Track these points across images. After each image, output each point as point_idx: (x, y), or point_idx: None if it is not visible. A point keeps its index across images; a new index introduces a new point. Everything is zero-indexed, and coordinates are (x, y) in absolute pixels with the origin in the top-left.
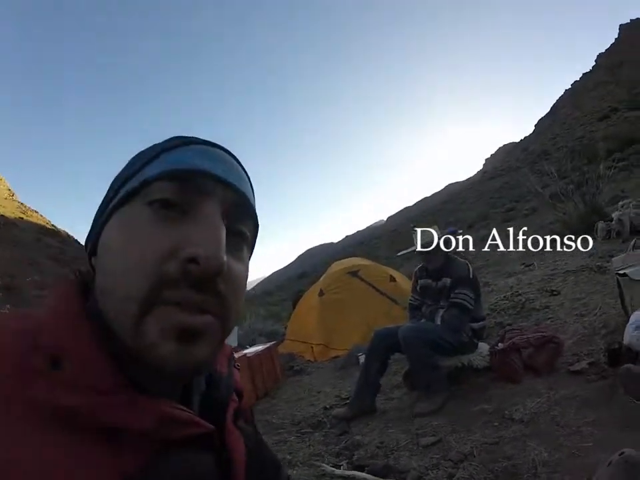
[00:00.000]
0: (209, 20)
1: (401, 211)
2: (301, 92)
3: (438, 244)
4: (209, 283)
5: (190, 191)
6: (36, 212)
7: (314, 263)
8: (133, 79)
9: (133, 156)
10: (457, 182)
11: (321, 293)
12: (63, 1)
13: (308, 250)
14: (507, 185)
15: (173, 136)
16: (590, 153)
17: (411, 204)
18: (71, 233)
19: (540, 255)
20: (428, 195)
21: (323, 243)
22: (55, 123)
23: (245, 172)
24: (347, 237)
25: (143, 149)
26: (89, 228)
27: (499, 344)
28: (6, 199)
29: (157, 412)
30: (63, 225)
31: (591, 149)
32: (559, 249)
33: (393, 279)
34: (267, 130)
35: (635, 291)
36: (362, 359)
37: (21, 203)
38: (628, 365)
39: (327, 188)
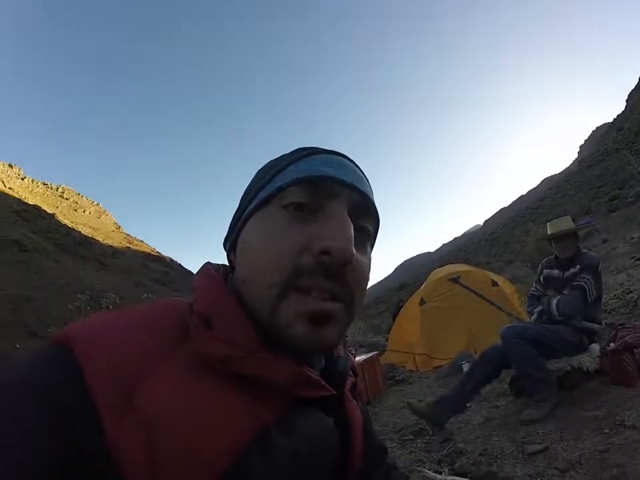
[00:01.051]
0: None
1: (497, 212)
2: (406, 93)
3: (575, 232)
4: (339, 272)
5: (319, 194)
6: (141, 241)
7: (412, 274)
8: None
9: (261, 167)
10: (553, 175)
11: (422, 302)
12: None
13: (405, 261)
14: (606, 171)
15: (297, 147)
16: None
17: (506, 204)
18: (174, 258)
19: None
20: (524, 192)
21: (420, 252)
22: (153, 153)
23: (364, 175)
24: (443, 245)
25: (272, 160)
26: (228, 229)
27: (611, 344)
28: (113, 231)
29: (292, 370)
30: (166, 251)
31: None
32: None
33: (495, 284)
34: (349, 133)
35: None
36: (465, 367)
37: (127, 234)
38: None
39: (420, 197)
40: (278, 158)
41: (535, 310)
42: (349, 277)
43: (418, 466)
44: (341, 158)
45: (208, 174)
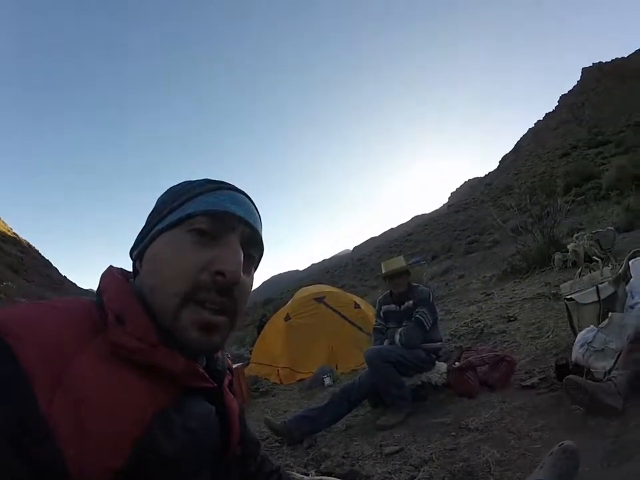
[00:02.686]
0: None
1: (367, 241)
2: (270, 114)
3: (405, 270)
4: (229, 290)
5: (220, 225)
6: None
7: (279, 289)
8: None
9: (174, 187)
10: (423, 214)
11: (288, 318)
12: None
13: (273, 277)
14: (471, 218)
15: (206, 179)
16: (550, 188)
17: (377, 234)
18: (33, 244)
19: (500, 284)
20: (394, 225)
21: (288, 270)
22: (31, 126)
23: (257, 211)
24: (312, 264)
25: (182, 183)
26: (134, 241)
27: (456, 362)
28: None
29: (185, 363)
30: (25, 233)
31: (550, 184)
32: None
33: (357, 306)
34: (241, 151)
35: (581, 313)
36: (327, 380)
37: None
38: (571, 376)
39: (293, 215)
40: (188, 185)
41: (384, 342)
42: (235, 293)
43: (287, 470)
44: (241, 195)
45: (93, 164)
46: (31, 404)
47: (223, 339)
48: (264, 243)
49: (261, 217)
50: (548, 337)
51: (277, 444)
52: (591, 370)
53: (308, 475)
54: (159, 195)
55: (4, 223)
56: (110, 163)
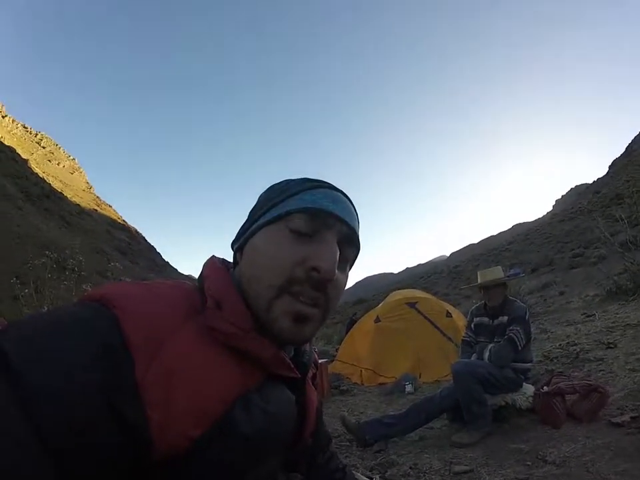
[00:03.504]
0: None
1: (464, 247)
2: (378, 124)
3: (503, 282)
4: (322, 286)
5: (318, 222)
6: (110, 206)
7: (372, 291)
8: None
9: (275, 185)
10: (525, 222)
11: (377, 320)
12: None
13: (366, 277)
14: (576, 229)
15: (305, 177)
16: None
17: (475, 241)
18: (139, 230)
19: (603, 305)
20: (494, 233)
21: (382, 272)
22: (141, 123)
23: (355, 210)
24: (407, 268)
25: (283, 182)
26: (236, 234)
27: (544, 387)
28: (84, 190)
29: (274, 351)
30: (133, 220)
31: None
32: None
33: (449, 315)
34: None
35: None
36: (408, 387)
37: (97, 196)
38: None
39: (391, 217)
40: (287, 183)
41: (472, 357)
42: (329, 289)
43: (352, 469)
44: (339, 194)
45: (196, 162)
46: (128, 370)
47: (312, 332)
48: (360, 242)
49: (359, 216)
50: None
51: (348, 443)
52: None
53: (372, 479)
54: (261, 192)
55: (114, 210)
56: (218, 160)
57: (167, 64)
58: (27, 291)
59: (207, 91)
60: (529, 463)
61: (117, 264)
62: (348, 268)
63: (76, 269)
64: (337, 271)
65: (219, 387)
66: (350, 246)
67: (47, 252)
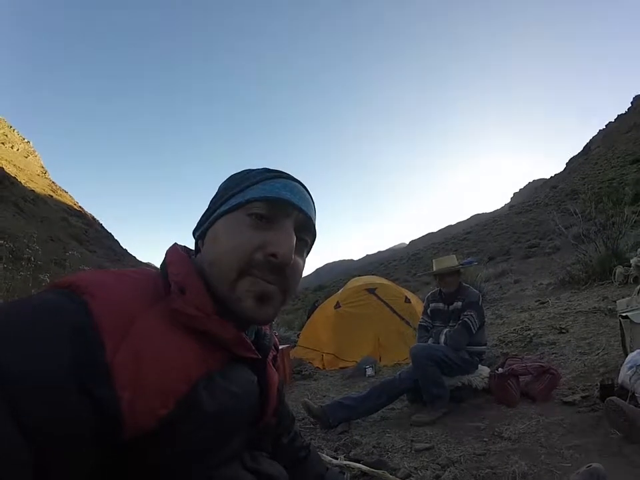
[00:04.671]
0: None
1: (424, 236)
2: (339, 106)
3: (457, 269)
4: (280, 270)
5: (276, 211)
6: (66, 192)
7: (332, 277)
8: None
9: (235, 174)
10: (483, 213)
11: (338, 305)
12: None
13: (327, 264)
14: (532, 221)
15: (265, 168)
16: (617, 196)
17: (434, 230)
18: (96, 217)
19: (556, 293)
20: (453, 223)
21: (342, 258)
22: (98, 102)
23: (312, 198)
24: (367, 255)
25: (243, 171)
26: (197, 222)
27: (499, 369)
28: (38, 175)
29: (235, 333)
30: (90, 207)
31: (619, 192)
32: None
33: (408, 300)
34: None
35: (635, 333)
36: (369, 371)
37: (52, 182)
38: (613, 398)
39: (350, 205)
40: (248, 173)
41: (428, 341)
42: (288, 273)
43: (317, 450)
44: (297, 184)
45: (156, 148)
46: (98, 352)
47: (274, 312)
48: (317, 229)
49: (315, 205)
50: (598, 354)
51: (312, 426)
52: (636, 395)
53: (337, 458)
54: (221, 182)
55: (70, 197)
56: (176, 147)
57: (124, 40)
58: None
59: (166, 73)
60: (486, 439)
61: (75, 252)
62: (305, 253)
63: (32, 258)
64: (294, 256)
65: (184, 367)
66: (307, 233)
67: (1, 241)
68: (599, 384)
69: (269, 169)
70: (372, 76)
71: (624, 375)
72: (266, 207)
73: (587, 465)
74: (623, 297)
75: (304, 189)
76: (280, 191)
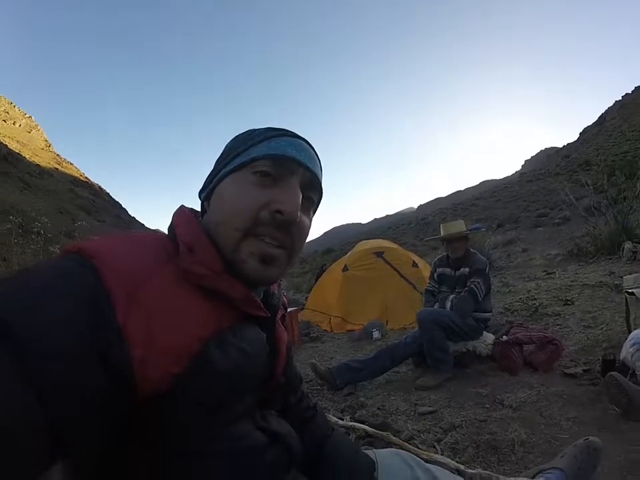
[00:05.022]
0: None
1: (432, 201)
2: (343, 73)
3: (465, 235)
4: (286, 227)
5: (282, 168)
6: (71, 163)
7: (340, 241)
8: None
9: (239, 134)
10: (493, 179)
11: (345, 269)
12: None
13: (335, 227)
14: (543, 190)
15: (269, 127)
16: (631, 170)
17: (443, 195)
18: (103, 187)
19: (563, 265)
20: (462, 188)
21: (350, 222)
22: (99, 74)
23: (317, 156)
24: (375, 219)
25: (247, 131)
26: (203, 183)
27: (504, 336)
28: (42, 149)
29: (244, 291)
30: (96, 177)
31: (632, 166)
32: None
33: (415, 265)
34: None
35: None
36: (375, 334)
37: (57, 154)
38: (614, 373)
39: (360, 168)
40: (252, 132)
41: (434, 305)
42: (293, 231)
43: (323, 411)
44: (302, 142)
45: (159, 113)
46: (109, 314)
47: (279, 272)
48: (323, 187)
49: (322, 163)
50: (601, 328)
51: (319, 387)
52: (636, 373)
53: (342, 420)
54: (226, 142)
55: (76, 168)
56: (182, 110)
57: (126, 11)
58: None
59: (168, 42)
60: (487, 405)
61: (83, 223)
62: (312, 212)
63: (42, 231)
64: (300, 213)
65: (195, 325)
66: (313, 191)
67: (11, 217)
68: (600, 358)
69: (273, 128)
70: (382, 38)
71: (626, 351)
72: (271, 165)
73: (584, 438)
74: (630, 273)
75: (309, 147)
76: (285, 148)
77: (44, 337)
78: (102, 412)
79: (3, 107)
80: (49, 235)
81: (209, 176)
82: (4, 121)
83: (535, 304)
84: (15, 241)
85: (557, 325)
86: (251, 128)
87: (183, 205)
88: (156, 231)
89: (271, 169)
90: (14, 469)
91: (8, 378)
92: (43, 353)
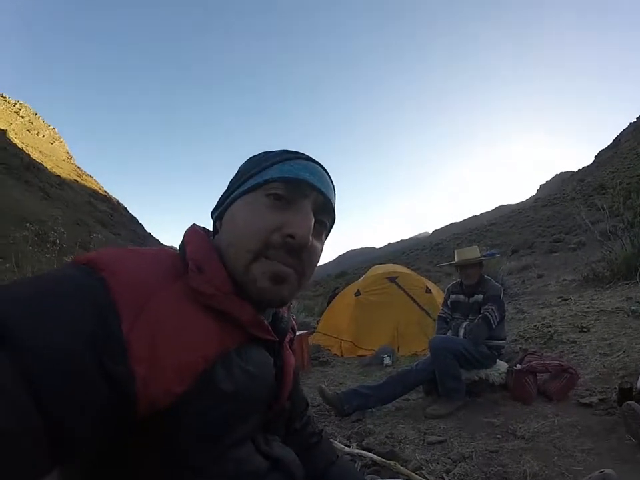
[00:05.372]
0: None
1: (447, 226)
2: (368, 100)
3: (479, 261)
4: (297, 252)
5: (295, 191)
6: (91, 176)
7: (353, 264)
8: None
9: (254, 156)
10: (508, 204)
11: (358, 293)
12: None
13: (349, 251)
14: (558, 214)
15: (283, 149)
16: None
17: (458, 220)
18: (121, 201)
19: (579, 290)
20: (477, 213)
21: (364, 246)
22: (121, 92)
23: (331, 180)
24: (389, 244)
25: (262, 153)
26: (216, 203)
27: (517, 365)
28: (64, 160)
29: (252, 313)
30: (115, 191)
31: None
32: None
33: (429, 291)
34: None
35: None
36: (386, 360)
37: (78, 167)
38: (631, 403)
39: (375, 193)
40: (267, 154)
41: (447, 333)
42: (304, 256)
43: (330, 438)
44: (316, 165)
45: (181, 134)
46: (115, 327)
47: (290, 294)
48: (336, 212)
49: (335, 187)
50: (618, 356)
51: (326, 412)
52: None
53: (349, 447)
54: (240, 164)
55: (96, 181)
56: (203, 132)
57: (152, 29)
58: (7, 265)
59: (192, 59)
60: (499, 436)
61: (99, 235)
62: (324, 236)
63: (57, 241)
64: (312, 238)
65: (201, 345)
66: (325, 215)
67: (28, 225)
68: (617, 387)
69: (288, 150)
70: (400, 60)
71: None
72: (284, 188)
73: (600, 470)
74: None
75: (323, 171)
76: (299, 171)
77: (47, 342)
78: (101, 421)
79: (28, 118)
80: (64, 245)
81: (222, 196)
82: (28, 130)
83: (549, 331)
84: (30, 248)
85: (572, 352)
86: (266, 150)
87: (195, 224)
88: (168, 248)
89: (284, 191)
90: (13, 473)
91: (8, 381)
92: (45, 358)
